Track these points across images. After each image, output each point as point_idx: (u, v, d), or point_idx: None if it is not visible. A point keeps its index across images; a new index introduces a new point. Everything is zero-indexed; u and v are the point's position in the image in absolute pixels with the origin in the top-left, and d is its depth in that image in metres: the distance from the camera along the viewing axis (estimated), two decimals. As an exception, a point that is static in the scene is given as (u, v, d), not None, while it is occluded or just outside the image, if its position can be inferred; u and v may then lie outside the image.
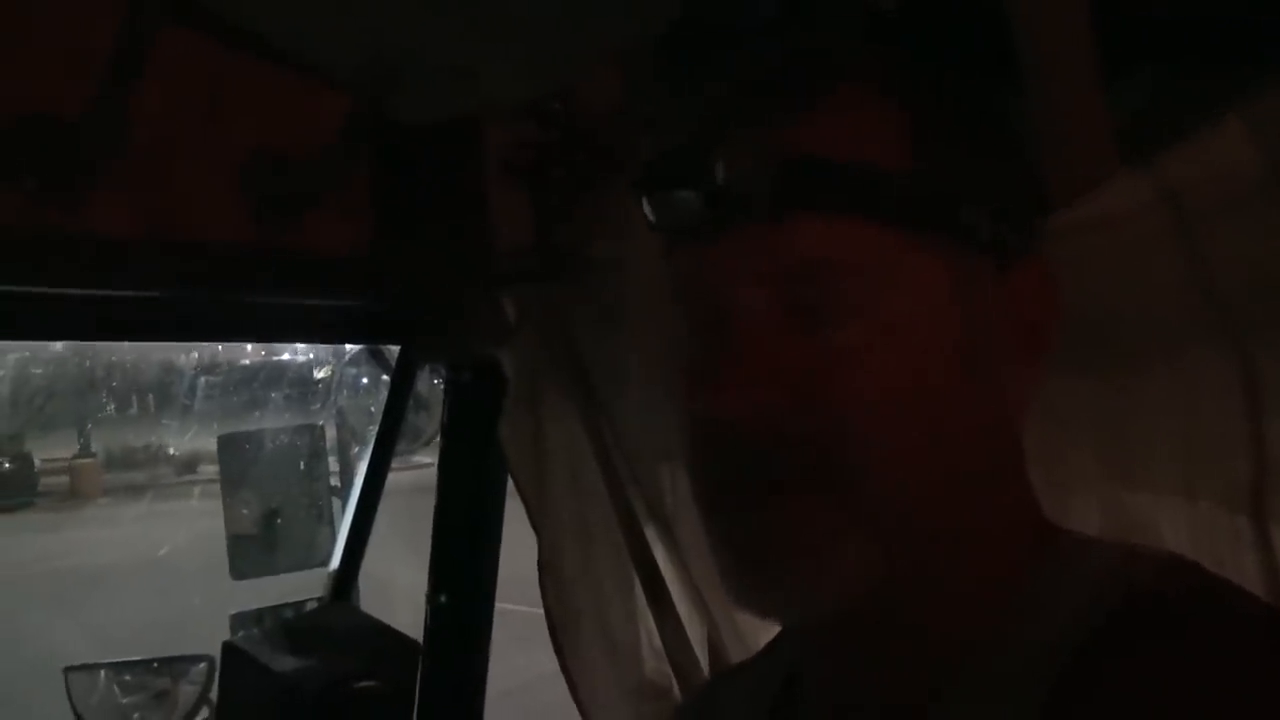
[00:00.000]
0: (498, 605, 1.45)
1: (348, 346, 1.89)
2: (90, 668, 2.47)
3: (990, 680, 0.53)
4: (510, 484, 1.32)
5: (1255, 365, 0.70)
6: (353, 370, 2.10)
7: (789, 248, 0.53)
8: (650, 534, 1.19)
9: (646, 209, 0.58)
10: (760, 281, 0.54)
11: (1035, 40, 0.72)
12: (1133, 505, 0.77)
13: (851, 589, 0.54)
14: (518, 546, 1.40)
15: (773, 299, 0.54)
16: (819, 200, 0.53)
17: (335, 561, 1.49)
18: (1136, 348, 0.75)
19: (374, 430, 1.49)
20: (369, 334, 1.45)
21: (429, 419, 1.70)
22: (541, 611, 1.23)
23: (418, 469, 2.06)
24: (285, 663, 1.29)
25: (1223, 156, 0.67)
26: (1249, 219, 0.68)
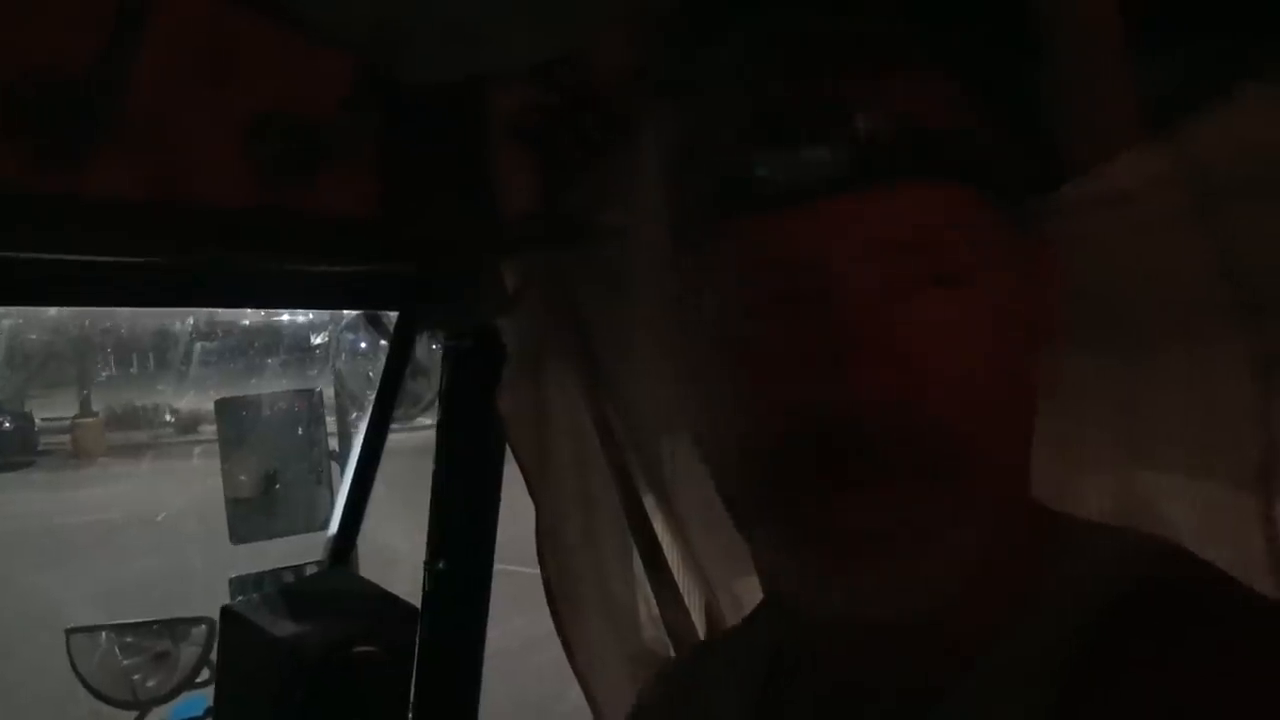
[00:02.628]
0: (499, 567, 1.45)
1: (345, 312, 1.88)
2: (91, 629, 2.50)
3: (1004, 664, 0.52)
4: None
5: (1269, 345, 0.70)
6: (350, 335, 2.10)
7: (898, 216, 0.50)
8: (649, 504, 1.19)
9: (757, 166, 0.51)
10: (869, 252, 0.50)
11: (1059, 4, 0.70)
12: (1143, 484, 0.76)
13: (956, 580, 0.51)
14: (519, 510, 1.40)
15: (882, 271, 0.50)
16: (932, 166, 0.50)
17: (334, 527, 1.50)
18: (1150, 325, 0.74)
19: (372, 395, 1.49)
20: (370, 300, 1.45)
21: (427, 385, 1.70)
22: (535, 571, 1.24)
23: (419, 430, 2.06)
24: (284, 628, 1.30)
25: (1247, 131, 0.66)
26: (1271, 197, 0.67)
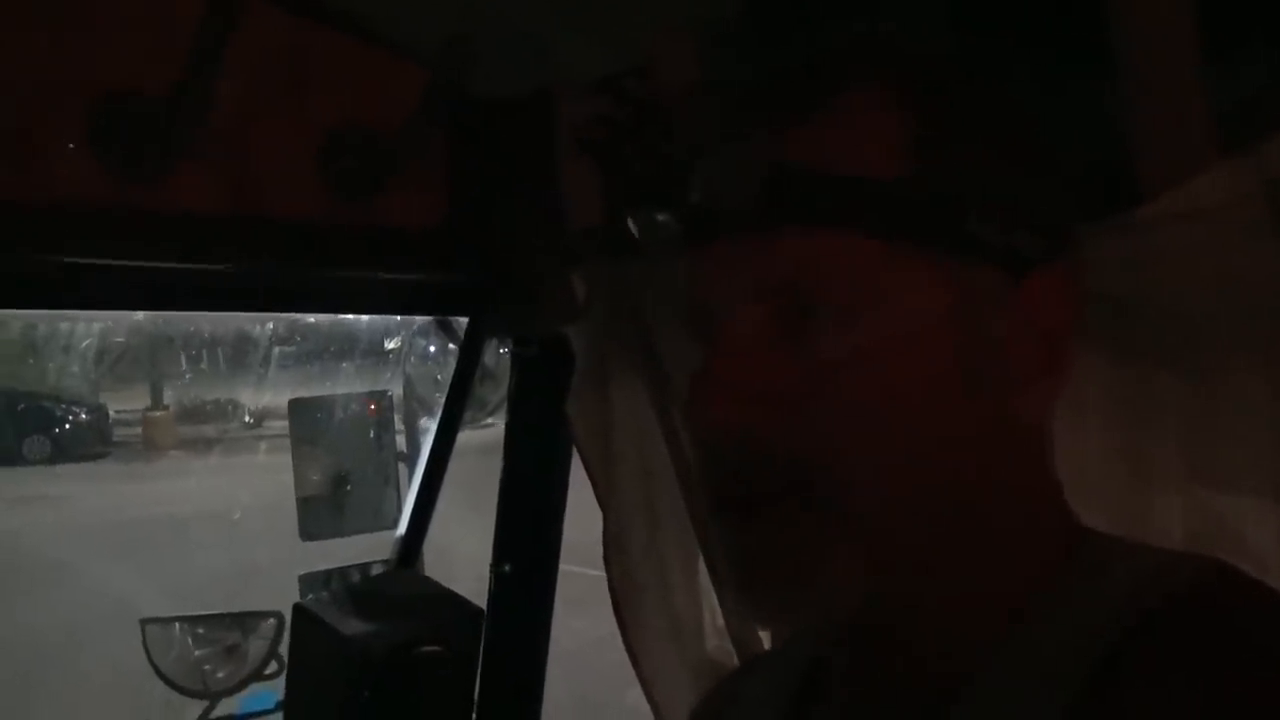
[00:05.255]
0: (561, 568, 1.46)
1: (417, 318, 1.91)
2: (166, 620, 2.57)
3: (1018, 679, 0.52)
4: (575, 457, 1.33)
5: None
6: (422, 340, 2.12)
7: (775, 260, 0.52)
8: (716, 513, 1.19)
9: (632, 226, 0.58)
10: (748, 294, 0.53)
11: (1131, 18, 0.69)
12: (1220, 506, 0.75)
13: (840, 602, 0.54)
14: (582, 512, 1.41)
15: (761, 312, 0.53)
16: (805, 212, 0.52)
17: (401, 528, 1.52)
18: (1228, 343, 0.73)
19: (441, 398, 1.51)
20: (440, 306, 1.46)
21: (494, 389, 1.72)
22: (597, 573, 1.25)
23: (486, 428, 2.09)
24: (353, 626, 1.32)
25: None
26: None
